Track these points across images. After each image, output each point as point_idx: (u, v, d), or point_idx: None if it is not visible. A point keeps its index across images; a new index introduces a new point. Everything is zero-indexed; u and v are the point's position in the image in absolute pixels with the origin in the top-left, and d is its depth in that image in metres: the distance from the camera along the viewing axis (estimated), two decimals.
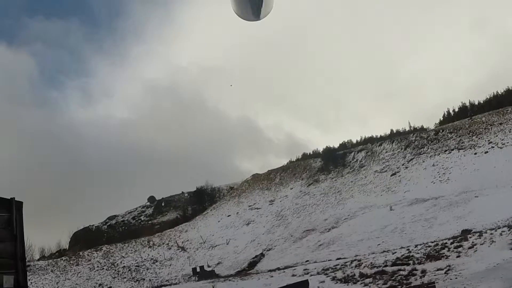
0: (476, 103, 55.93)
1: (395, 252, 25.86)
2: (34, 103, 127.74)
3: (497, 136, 46.27)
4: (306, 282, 20.65)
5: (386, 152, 53.80)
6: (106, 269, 45.64)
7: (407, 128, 59.04)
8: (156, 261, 47.14)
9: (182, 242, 50.71)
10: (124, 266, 46.10)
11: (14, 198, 10.14)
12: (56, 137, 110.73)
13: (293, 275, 25.96)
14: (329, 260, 30.14)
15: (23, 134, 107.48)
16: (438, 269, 19.89)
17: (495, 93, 54.48)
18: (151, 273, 44.91)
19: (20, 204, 10.23)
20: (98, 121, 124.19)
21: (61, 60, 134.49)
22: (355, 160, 55.79)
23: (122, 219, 70.84)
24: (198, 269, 38.71)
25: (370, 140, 59.10)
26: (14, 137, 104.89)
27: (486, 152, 44.51)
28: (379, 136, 60.11)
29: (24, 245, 10.46)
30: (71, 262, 46.94)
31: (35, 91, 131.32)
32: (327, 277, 23.52)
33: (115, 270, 45.47)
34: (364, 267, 23.84)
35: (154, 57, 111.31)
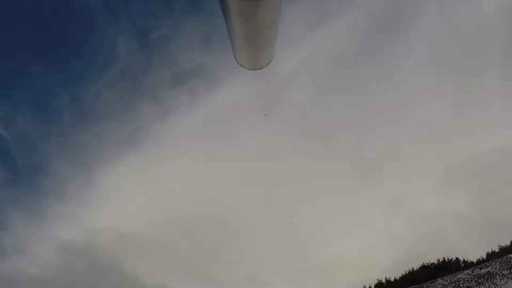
0: (392, 279, 51.97)
1: None
2: None
3: None
4: None
5: None
6: None
7: None
8: None
9: None
10: None
11: None
12: None
13: None
14: None
15: None
16: None
17: (410, 270, 51.23)
18: None
19: None
20: (8, 276, 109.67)
21: None
22: None
23: None
24: None
25: None
26: None
27: None
28: None
29: None
30: None
31: None
32: None
33: None
34: None
35: (71, 218, 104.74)
